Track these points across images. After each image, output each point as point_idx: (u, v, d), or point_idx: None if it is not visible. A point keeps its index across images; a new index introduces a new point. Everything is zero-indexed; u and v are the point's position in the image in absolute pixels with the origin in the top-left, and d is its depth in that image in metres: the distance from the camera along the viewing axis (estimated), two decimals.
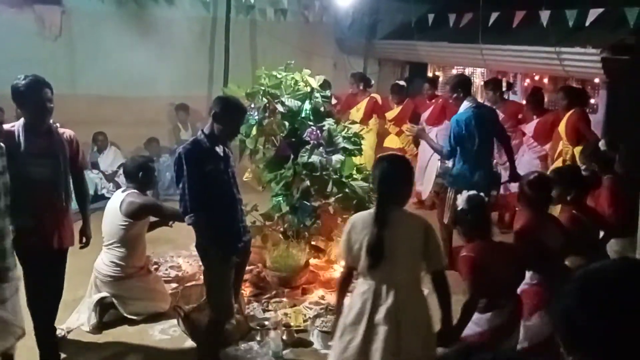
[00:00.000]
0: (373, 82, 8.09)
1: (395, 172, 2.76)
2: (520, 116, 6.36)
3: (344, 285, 2.96)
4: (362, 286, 2.76)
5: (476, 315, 2.90)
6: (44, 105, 3.37)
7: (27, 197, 3.23)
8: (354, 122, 5.74)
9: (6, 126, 3.33)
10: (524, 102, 6.98)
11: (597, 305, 1.02)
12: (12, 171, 3.12)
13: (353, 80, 7.46)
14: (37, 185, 3.30)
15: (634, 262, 1.19)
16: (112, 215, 4.21)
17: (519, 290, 3.11)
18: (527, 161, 5.94)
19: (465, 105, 4.99)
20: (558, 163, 5.45)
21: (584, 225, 3.44)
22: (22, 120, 3.37)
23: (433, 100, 7.24)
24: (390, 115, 7.37)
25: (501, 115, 6.13)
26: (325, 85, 7.19)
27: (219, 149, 3.49)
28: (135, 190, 4.23)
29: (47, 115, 3.42)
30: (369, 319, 2.69)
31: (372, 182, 2.88)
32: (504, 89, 6.73)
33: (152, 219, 4.41)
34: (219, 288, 3.50)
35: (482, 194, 3.19)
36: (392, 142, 7.41)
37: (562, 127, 5.56)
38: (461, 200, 3.06)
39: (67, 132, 3.59)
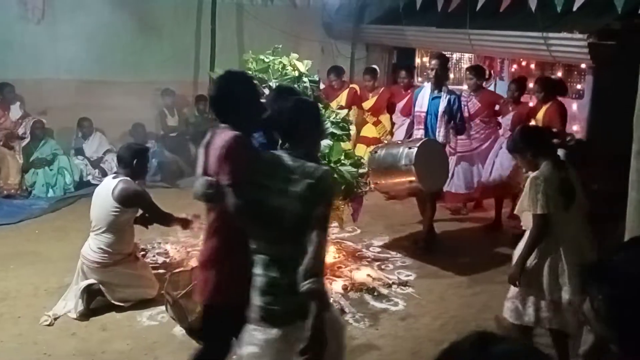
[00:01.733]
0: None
1: (541, 130, 3.86)
2: (497, 107, 6.29)
3: (543, 235, 3.30)
4: (557, 230, 3.30)
5: None
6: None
7: None
8: None
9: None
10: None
11: None
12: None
13: (334, 77, 7.35)
14: None
15: None
16: (103, 201, 4.16)
17: None
18: (506, 152, 5.97)
19: (447, 87, 5.32)
20: None
21: None
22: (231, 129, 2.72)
23: (409, 90, 7.18)
24: (367, 105, 7.32)
25: (477, 104, 6.14)
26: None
27: None
28: (128, 178, 4.19)
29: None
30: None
31: (523, 150, 3.46)
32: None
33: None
34: None
35: None
36: (369, 132, 7.36)
37: (539, 118, 5.58)
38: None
39: None
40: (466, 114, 6.20)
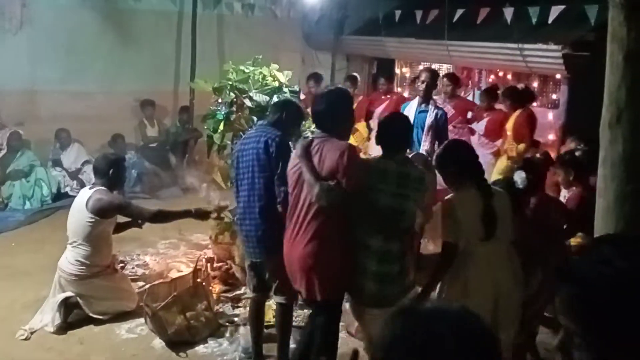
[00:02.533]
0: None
1: (469, 148, 3.27)
2: (469, 115, 6.40)
3: (448, 265, 3.01)
4: (470, 261, 2.96)
5: None
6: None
7: None
8: None
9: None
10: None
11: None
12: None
13: (312, 83, 7.35)
14: None
15: None
16: (78, 213, 4.11)
17: None
18: (480, 157, 6.06)
19: (434, 101, 5.31)
20: (502, 160, 5.60)
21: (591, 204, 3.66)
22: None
23: (388, 96, 7.24)
24: None
25: (451, 111, 6.26)
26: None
27: None
28: (103, 188, 4.15)
29: None
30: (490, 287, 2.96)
31: (445, 168, 3.11)
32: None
33: (121, 219, 4.32)
34: None
35: None
36: None
37: (509, 126, 5.71)
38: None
39: None
40: None
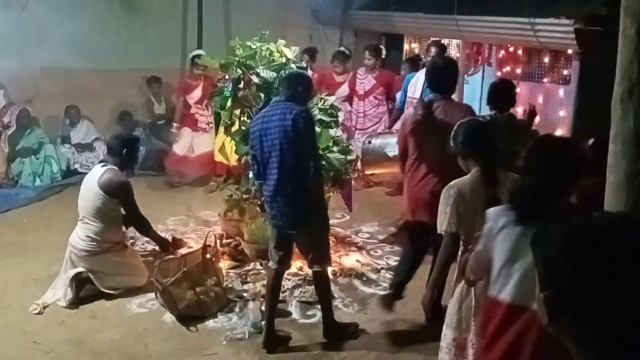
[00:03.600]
0: None
1: (486, 129, 2.92)
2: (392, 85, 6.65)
3: (452, 258, 2.75)
4: None
5: None
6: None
7: None
8: None
9: None
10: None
11: (580, 258, 1.02)
12: None
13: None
14: None
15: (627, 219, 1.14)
16: (89, 189, 4.15)
17: None
18: None
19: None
20: None
21: None
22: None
23: (342, 77, 7.09)
24: None
25: (373, 81, 6.63)
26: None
27: None
28: (115, 167, 4.17)
29: None
30: None
31: (456, 146, 2.81)
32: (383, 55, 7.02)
33: None
34: (328, 239, 3.80)
35: None
36: None
37: None
38: None
39: None
40: (361, 92, 6.72)
